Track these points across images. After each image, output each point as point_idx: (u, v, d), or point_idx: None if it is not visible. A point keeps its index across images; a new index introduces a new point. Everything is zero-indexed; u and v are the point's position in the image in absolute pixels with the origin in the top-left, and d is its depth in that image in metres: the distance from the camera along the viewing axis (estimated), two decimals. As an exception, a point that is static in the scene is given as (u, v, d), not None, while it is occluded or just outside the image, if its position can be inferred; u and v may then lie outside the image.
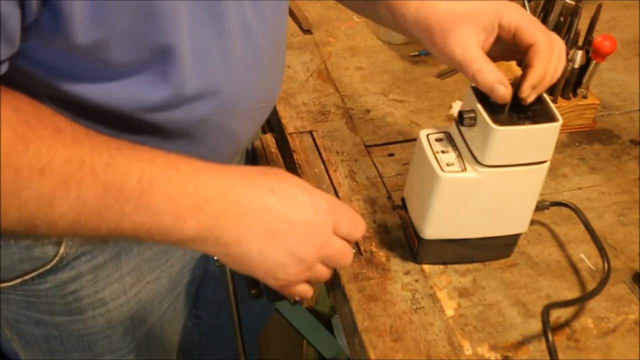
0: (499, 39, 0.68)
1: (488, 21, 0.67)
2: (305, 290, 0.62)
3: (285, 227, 0.56)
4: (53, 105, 0.56)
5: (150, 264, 0.83)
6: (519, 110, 0.65)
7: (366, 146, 0.92)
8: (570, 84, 0.94)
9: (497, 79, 0.64)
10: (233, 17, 0.63)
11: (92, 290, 0.78)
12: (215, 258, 0.77)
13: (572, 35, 0.92)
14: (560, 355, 0.64)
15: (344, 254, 0.61)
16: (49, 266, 0.73)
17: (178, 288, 0.92)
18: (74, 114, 0.58)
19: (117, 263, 0.79)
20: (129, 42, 0.56)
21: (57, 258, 0.73)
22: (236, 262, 0.58)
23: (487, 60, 0.66)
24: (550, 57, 0.65)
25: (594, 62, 0.92)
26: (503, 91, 0.64)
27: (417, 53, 1.11)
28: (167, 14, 0.55)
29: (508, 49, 0.69)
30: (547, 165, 0.68)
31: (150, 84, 0.60)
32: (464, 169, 0.67)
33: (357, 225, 0.62)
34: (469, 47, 0.66)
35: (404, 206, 0.77)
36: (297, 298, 0.62)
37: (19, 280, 0.74)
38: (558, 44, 0.67)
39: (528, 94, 0.64)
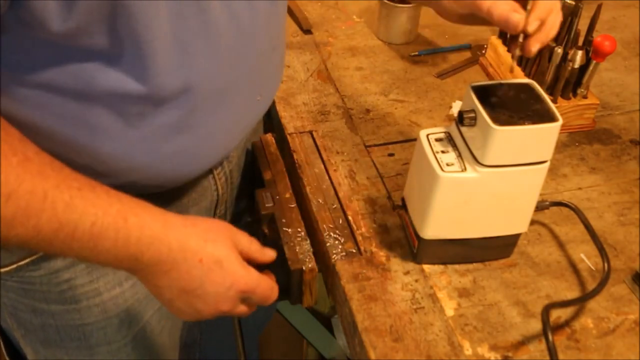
0: None
1: None
2: None
3: (198, 292, 0.65)
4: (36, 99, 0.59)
5: None
6: (519, 110, 0.65)
7: (366, 146, 0.92)
8: (570, 84, 0.94)
9: (510, 7, 0.65)
10: (219, 9, 0.63)
11: (86, 279, 0.79)
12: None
13: (572, 35, 0.92)
14: (560, 355, 0.64)
15: (246, 312, 0.71)
16: (41, 253, 0.75)
17: None
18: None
19: None
20: (105, 29, 0.57)
21: None
22: (150, 291, 0.67)
23: None
24: None
25: (594, 62, 0.92)
26: (517, 17, 0.65)
27: (417, 53, 1.11)
28: (141, 7, 0.56)
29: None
30: (547, 165, 0.68)
31: (131, 75, 0.61)
32: (464, 169, 0.67)
33: (267, 300, 0.71)
34: None
35: (404, 206, 0.77)
36: None
37: (14, 266, 0.76)
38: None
39: (533, 28, 0.65)
